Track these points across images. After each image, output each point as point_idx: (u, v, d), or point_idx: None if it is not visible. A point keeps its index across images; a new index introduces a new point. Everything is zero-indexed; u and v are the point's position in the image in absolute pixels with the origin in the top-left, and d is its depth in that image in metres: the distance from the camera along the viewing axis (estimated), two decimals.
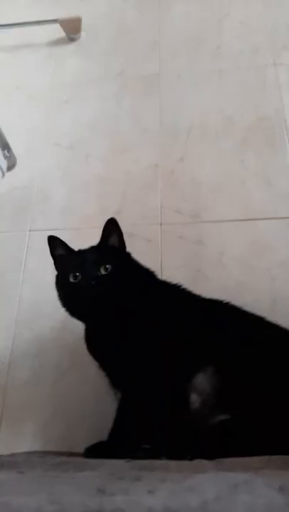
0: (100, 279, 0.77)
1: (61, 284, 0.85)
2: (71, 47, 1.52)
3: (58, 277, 0.87)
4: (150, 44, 1.47)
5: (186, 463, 0.52)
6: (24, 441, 0.97)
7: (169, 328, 0.73)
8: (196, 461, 0.53)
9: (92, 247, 0.87)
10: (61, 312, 1.07)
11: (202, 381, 0.67)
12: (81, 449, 0.92)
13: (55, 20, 1.48)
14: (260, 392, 0.64)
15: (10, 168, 1.25)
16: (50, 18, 1.50)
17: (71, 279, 0.79)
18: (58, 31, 1.53)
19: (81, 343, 1.03)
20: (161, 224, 1.14)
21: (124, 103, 1.37)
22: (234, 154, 1.23)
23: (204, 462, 0.52)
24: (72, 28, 1.50)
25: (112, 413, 0.90)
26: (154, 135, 1.29)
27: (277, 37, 1.39)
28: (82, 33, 1.53)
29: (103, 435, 0.94)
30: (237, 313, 0.78)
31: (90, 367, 1.00)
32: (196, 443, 0.63)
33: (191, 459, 0.55)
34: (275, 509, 0.22)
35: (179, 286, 0.85)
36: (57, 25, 1.49)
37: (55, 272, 0.87)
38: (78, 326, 1.05)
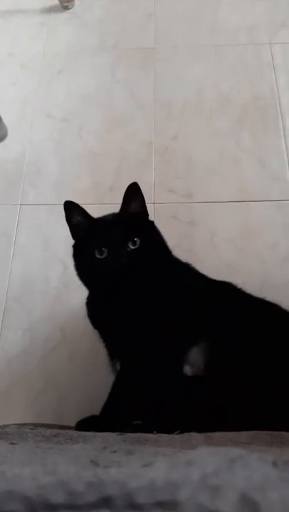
0: (130, 256, 0.73)
1: (84, 258, 0.79)
2: (65, 15, 1.47)
3: (76, 248, 0.81)
4: (146, 15, 1.42)
5: (176, 437, 0.54)
6: (15, 413, 0.98)
7: (174, 303, 0.73)
8: (186, 435, 0.55)
9: (115, 216, 0.81)
10: (52, 287, 1.08)
11: (196, 354, 0.68)
12: (72, 422, 0.95)
13: None
14: (251, 368, 0.66)
15: (1, 139, 1.22)
16: None
17: (97, 255, 0.73)
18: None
19: (72, 317, 1.05)
20: (154, 203, 1.14)
21: (118, 75, 1.34)
22: (229, 134, 1.22)
23: (194, 436, 0.54)
24: None
25: (103, 387, 0.92)
26: (149, 110, 1.27)
27: (276, 14, 1.36)
28: (76, 1, 1.47)
29: (94, 408, 0.96)
30: (239, 294, 0.79)
31: (81, 341, 1.02)
32: (186, 416, 0.65)
33: (181, 432, 0.57)
34: (270, 482, 0.23)
35: (189, 265, 0.83)
36: None
37: (72, 241, 0.82)
38: (69, 302, 1.06)
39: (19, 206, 1.19)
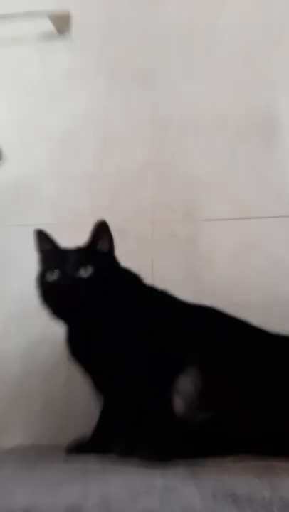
0: (78, 281, 0.76)
1: (40, 280, 0.84)
2: (61, 41, 1.49)
3: (38, 275, 0.86)
4: (141, 38, 1.44)
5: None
6: (14, 434, 0.97)
7: (152, 332, 0.73)
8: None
9: (79, 248, 0.85)
10: None
11: (184, 381, 0.67)
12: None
13: (45, 14, 1.46)
14: (243, 392, 0.65)
15: None
16: (39, 10, 1.47)
17: (49, 276, 0.79)
18: (47, 25, 1.50)
19: None
20: (152, 221, 1.14)
21: (114, 97, 1.35)
22: (226, 150, 1.22)
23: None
24: (61, 23, 1.47)
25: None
26: (145, 129, 1.28)
27: (273, 30, 1.37)
28: (73, 27, 1.51)
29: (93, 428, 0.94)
30: (220, 317, 0.79)
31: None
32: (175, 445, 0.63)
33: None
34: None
35: (165, 292, 0.84)
36: (47, 19, 1.47)
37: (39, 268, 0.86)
38: None
39: (17, 227, 1.19)
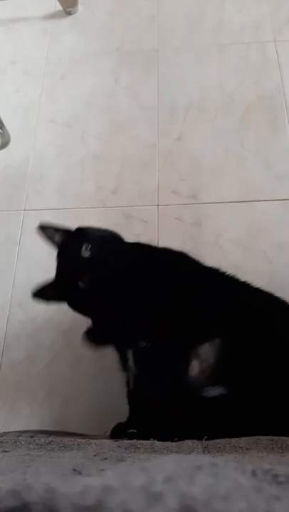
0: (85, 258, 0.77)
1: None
2: (67, 21, 1.48)
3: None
4: (149, 18, 1.42)
5: (173, 443, 0.52)
6: (19, 420, 0.98)
7: (186, 295, 0.73)
8: (184, 442, 0.53)
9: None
10: None
11: (207, 350, 0.67)
12: (76, 428, 0.94)
13: None
14: (262, 372, 0.65)
15: (4, 145, 1.23)
16: None
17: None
18: (54, 4, 1.48)
19: (75, 322, 1.04)
20: (158, 205, 1.13)
21: (121, 79, 1.34)
22: (233, 133, 1.21)
23: (191, 443, 0.52)
24: (68, 2, 1.45)
25: (107, 391, 0.90)
26: (152, 112, 1.27)
27: (280, 12, 1.35)
28: (79, 7, 1.48)
29: (98, 413, 0.95)
30: (254, 292, 0.78)
31: (84, 346, 1.01)
32: (186, 423, 0.63)
33: (178, 440, 0.55)
34: (240, 492, 0.21)
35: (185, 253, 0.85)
36: None
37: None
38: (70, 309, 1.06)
39: (23, 212, 1.19)
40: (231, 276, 0.80)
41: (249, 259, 1.04)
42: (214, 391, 0.64)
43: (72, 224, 1.15)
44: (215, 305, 0.72)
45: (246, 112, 1.22)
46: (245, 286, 0.79)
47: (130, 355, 0.74)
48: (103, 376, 0.98)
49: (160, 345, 0.70)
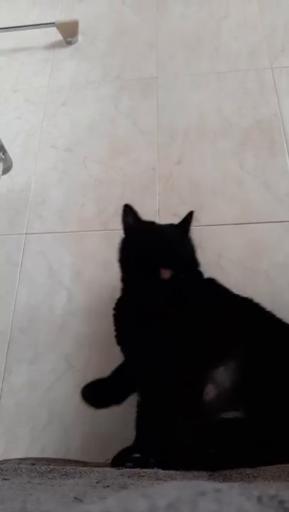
0: (186, 253, 0.84)
1: (139, 254, 0.86)
2: (68, 50, 1.53)
3: (124, 241, 0.90)
4: (148, 46, 1.48)
5: (177, 472, 0.51)
6: (20, 447, 0.97)
7: (201, 315, 0.75)
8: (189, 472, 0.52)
9: (172, 225, 0.93)
10: (57, 315, 1.08)
11: (223, 374, 0.67)
12: (77, 455, 0.92)
13: (52, 24, 1.49)
14: (278, 395, 0.64)
15: (6, 170, 1.25)
16: (47, 21, 1.51)
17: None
18: (55, 34, 1.54)
19: (77, 346, 1.04)
20: None
21: (121, 105, 1.38)
22: (232, 156, 1.24)
23: (197, 471, 0.51)
24: (69, 32, 1.50)
25: (110, 417, 0.89)
26: (152, 137, 1.30)
27: (275, 40, 1.41)
28: (80, 36, 1.54)
29: (100, 440, 0.93)
30: (268, 317, 0.79)
31: (87, 370, 1.01)
32: (199, 449, 0.62)
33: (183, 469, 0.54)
34: None
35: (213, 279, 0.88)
36: (54, 29, 1.50)
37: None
38: (74, 330, 1.06)
39: (25, 235, 1.21)
40: (251, 301, 0.81)
41: (251, 279, 1.05)
42: (230, 415, 0.63)
43: (75, 248, 1.17)
44: (230, 328, 0.72)
45: (245, 136, 1.26)
46: (260, 311, 0.79)
47: (143, 364, 0.75)
48: None
49: (175, 368, 0.70)
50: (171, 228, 0.91)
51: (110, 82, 1.43)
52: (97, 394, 0.79)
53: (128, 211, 0.91)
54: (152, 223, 0.92)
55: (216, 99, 1.33)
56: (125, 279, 0.89)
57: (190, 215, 0.94)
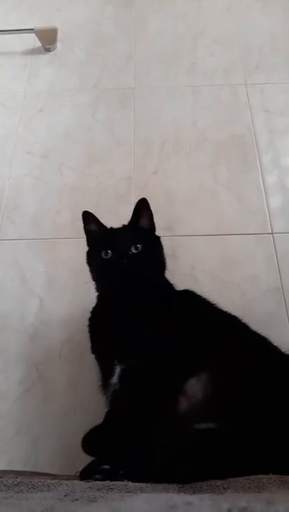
0: (131, 257, 0.83)
1: (93, 259, 0.90)
2: (47, 56, 1.52)
3: (88, 253, 0.92)
4: (126, 57, 1.49)
5: (148, 484, 0.50)
6: None
7: (175, 325, 0.74)
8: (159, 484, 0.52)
9: (124, 226, 0.92)
10: (28, 323, 1.06)
11: (194, 386, 0.67)
12: (46, 468, 0.90)
13: (31, 30, 1.48)
14: (252, 407, 0.63)
15: None
16: (26, 27, 1.51)
17: (103, 255, 0.84)
18: (34, 41, 1.53)
19: (49, 356, 1.02)
20: None
21: (98, 114, 1.38)
22: (207, 169, 1.26)
23: (167, 484, 0.50)
24: (48, 39, 1.50)
25: (80, 429, 0.87)
26: (128, 147, 1.31)
27: (250, 57, 1.45)
28: (58, 44, 1.54)
29: (69, 453, 0.91)
30: (241, 327, 0.79)
31: (58, 381, 0.99)
32: (164, 464, 0.60)
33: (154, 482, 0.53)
34: None
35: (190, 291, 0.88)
36: (33, 35, 1.49)
37: (87, 248, 0.92)
38: (46, 339, 1.04)
39: None
40: (224, 311, 0.82)
41: (223, 290, 1.05)
42: (203, 427, 0.63)
43: (49, 255, 1.15)
44: (202, 339, 0.72)
45: (219, 149, 1.28)
46: (234, 323, 0.80)
47: (117, 370, 0.73)
48: (77, 413, 0.95)
49: (147, 378, 0.69)
50: (123, 230, 0.90)
51: (88, 90, 1.43)
52: (99, 444, 0.72)
53: (88, 218, 0.92)
54: (107, 230, 0.92)
55: (191, 112, 1.36)
56: (97, 289, 0.89)
57: (137, 205, 0.92)
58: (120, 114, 1.37)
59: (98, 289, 0.89)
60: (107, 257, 0.84)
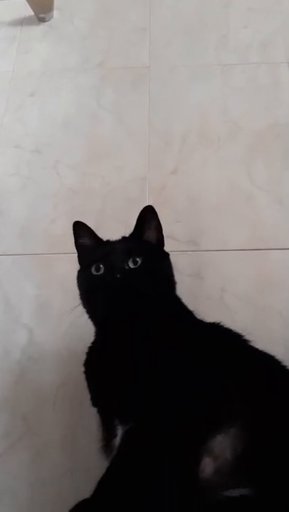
0: (127, 272, 0.82)
1: (82, 276, 0.90)
2: (41, 28, 1.58)
3: (79, 272, 0.92)
4: (139, 29, 1.54)
5: None
6: None
7: (193, 367, 0.74)
8: None
9: (123, 238, 0.94)
10: (14, 361, 1.08)
11: (222, 443, 0.67)
12: None
13: None
14: None
15: None
16: None
17: (93, 271, 0.84)
18: (24, 8, 1.59)
19: (39, 402, 1.04)
20: None
21: (104, 99, 1.42)
22: (240, 166, 1.28)
23: None
24: (42, 6, 1.55)
25: (76, 493, 0.88)
26: (142, 140, 1.34)
27: None
28: (55, 12, 1.59)
29: None
30: (280, 370, 0.79)
31: (50, 434, 1.00)
32: None
33: None
34: None
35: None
36: (23, 1, 1.55)
37: (78, 267, 0.93)
38: (35, 380, 1.05)
39: None
40: (259, 351, 0.82)
41: (260, 320, 1.06)
42: (235, 494, 0.62)
43: (40, 275, 1.17)
44: (231, 385, 0.72)
45: (255, 142, 1.31)
46: (271, 364, 0.80)
47: (119, 431, 0.73)
48: (74, 477, 0.96)
49: (163, 436, 0.68)
50: (120, 242, 0.92)
51: (91, 70, 1.48)
52: None
53: (80, 230, 0.94)
54: (102, 243, 0.94)
55: (221, 96, 1.39)
56: (89, 317, 0.91)
57: (141, 214, 0.94)
58: (132, 99, 1.41)
59: (89, 315, 0.90)
60: (99, 273, 0.84)
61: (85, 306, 0.90)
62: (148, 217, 0.93)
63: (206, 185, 1.26)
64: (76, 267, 1.14)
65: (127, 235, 0.94)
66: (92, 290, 0.86)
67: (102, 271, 0.84)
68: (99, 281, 0.83)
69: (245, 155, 1.29)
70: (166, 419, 0.69)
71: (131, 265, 0.83)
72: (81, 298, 0.90)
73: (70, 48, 1.53)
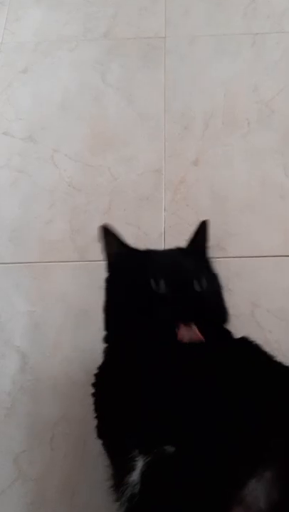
0: (197, 297, 0.83)
1: (129, 290, 0.88)
2: None
3: (112, 279, 0.93)
4: None
5: None
6: None
7: (235, 399, 0.74)
8: None
9: (179, 249, 0.96)
10: (4, 393, 1.06)
11: (255, 490, 0.65)
12: None
13: None
14: None
15: None
16: None
17: (153, 286, 0.83)
18: None
19: (33, 442, 1.02)
20: None
21: (111, 75, 1.41)
22: (274, 157, 1.27)
23: None
24: None
25: None
26: (156, 124, 1.33)
27: None
28: None
29: None
30: None
31: (48, 480, 1.00)
32: None
33: None
34: None
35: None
36: None
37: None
38: (28, 416, 1.04)
39: None
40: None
41: None
42: None
43: (33, 287, 1.15)
44: (266, 417, 0.72)
45: None
46: None
47: (139, 465, 0.72)
48: None
49: (185, 482, 0.68)
50: (180, 255, 0.92)
51: (95, 41, 1.46)
52: None
53: (109, 236, 0.94)
54: (149, 252, 0.94)
55: (251, 72, 1.37)
56: (113, 338, 0.89)
57: (202, 227, 0.96)
58: (144, 76, 1.40)
59: (125, 334, 0.88)
60: (161, 291, 0.83)
61: (117, 321, 0.89)
62: (205, 232, 0.96)
63: (233, 179, 1.25)
64: (77, 278, 1.13)
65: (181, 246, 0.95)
66: (152, 310, 0.84)
67: (163, 288, 0.83)
68: (162, 300, 0.83)
69: (280, 143, 1.28)
70: (194, 454, 0.69)
71: (197, 288, 0.84)
72: (115, 312, 0.90)
73: (69, 14, 1.52)
